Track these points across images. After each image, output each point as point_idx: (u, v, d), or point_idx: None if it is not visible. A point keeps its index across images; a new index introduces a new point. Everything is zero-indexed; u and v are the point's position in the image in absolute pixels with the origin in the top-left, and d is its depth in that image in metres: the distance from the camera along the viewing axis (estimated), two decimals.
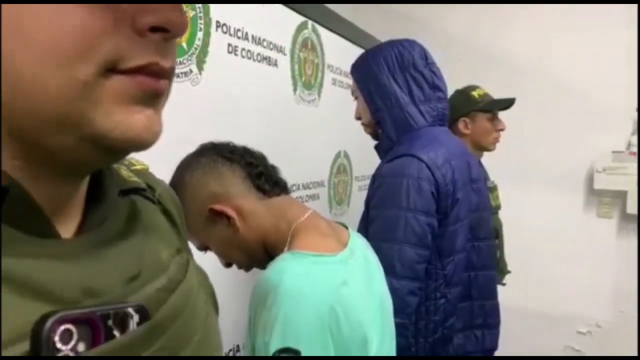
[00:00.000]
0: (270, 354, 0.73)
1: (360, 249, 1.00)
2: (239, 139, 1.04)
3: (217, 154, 0.96)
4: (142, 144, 0.35)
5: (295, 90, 1.88)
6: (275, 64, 1.74)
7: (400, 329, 1.26)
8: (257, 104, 1.58)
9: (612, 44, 2.83)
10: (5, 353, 0.29)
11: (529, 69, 3.01)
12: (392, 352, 1.06)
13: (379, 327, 0.94)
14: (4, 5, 0.30)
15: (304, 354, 0.76)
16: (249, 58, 1.58)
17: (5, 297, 0.31)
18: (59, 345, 0.30)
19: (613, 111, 2.85)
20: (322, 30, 2.04)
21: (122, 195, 0.45)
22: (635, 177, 2.77)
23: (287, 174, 1.07)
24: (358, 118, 1.59)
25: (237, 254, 0.97)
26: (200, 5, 1.30)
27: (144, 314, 0.36)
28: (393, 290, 1.23)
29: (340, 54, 2.17)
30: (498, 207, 2.24)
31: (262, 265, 0.94)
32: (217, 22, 1.38)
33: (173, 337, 0.40)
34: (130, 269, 0.40)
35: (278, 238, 0.94)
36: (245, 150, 1.01)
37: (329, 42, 2.10)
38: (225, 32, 1.44)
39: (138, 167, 0.52)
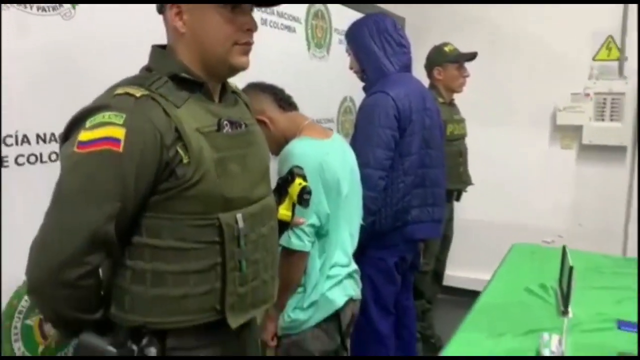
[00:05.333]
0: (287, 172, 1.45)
1: (340, 141, 1.76)
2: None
3: (259, 87, 1.71)
4: (244, 69, 1.10)
5: (309, 49, 2.61)
6: (294, 31, 2.46)
7: (372, 199, 2.03)
8: (281, 59, 2.31)
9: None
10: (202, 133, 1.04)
11: (503, 26, 3.63)
12: (360, 200, 1.83)
13: (348, 181, 1.70)
14: (197, 14, 1.05)
15: None
16: (275, 27, 2.30)
17: (201, 112, 1.06)
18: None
19: (572, 60, 3.47)
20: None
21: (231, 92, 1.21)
22: (589, 114, 3.42)
23: (304, 112, 1.79)
24: (351, 68, 2.31)
25: (270, 143, 1.72)
26: None
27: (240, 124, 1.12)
28: (369, 176, 1.99)
29: (344, 19, 2.87)
30: (465, 135, 2.97)
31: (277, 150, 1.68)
32: None
33: (252, 141, 1.16)
34: (240, 114, 1.16)
35: (292, 134, 1.69)
36: (273, 86, 1.76)
37: (334, 11, 2.80)
38: (258, 10, 2.16)
39: (233, 85, 1.27)
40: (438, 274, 3.10)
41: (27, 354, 1.39)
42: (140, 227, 1.02)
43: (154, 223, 1.02)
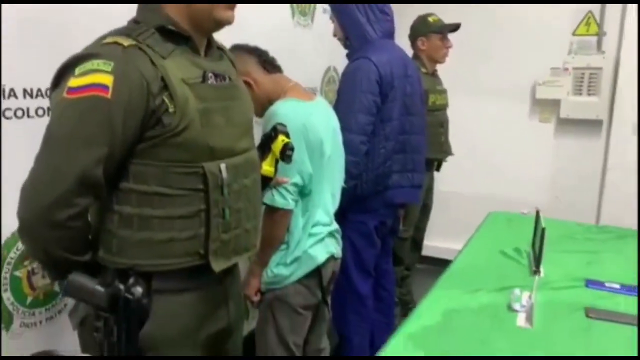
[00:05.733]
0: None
1: (324, 104, 1.80)
2: None
3: (244, 49, 1.73)
4: (229, 23, 1.13)
5: (293, 16, 2.62)
6: None
7: (354, 163, 2.08)
8: (264, 26, 2.33)
9: None
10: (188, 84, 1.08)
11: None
12: (342, 163, 1.88)
13: (330, 143, 1.75)
14: None
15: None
16: None
17: (186, 64, 1.09)
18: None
19: (553, 35, 3.53)
20: None
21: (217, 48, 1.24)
22: (567, 89, 3.50)
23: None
24: (334, 35, 2.34)
25: (255, 105, 1.76)
26: None
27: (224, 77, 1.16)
28: (350, 141, 2.04)
29: None
30: (446, 105, 3.03)
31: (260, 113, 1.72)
32: None
33: (236, 95, 1.19)
34: (225, 68, 1.19)
35: (277, 95, 1.72)
36: (258, 48, 1.78)
37: None
38: None
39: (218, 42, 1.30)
40: (417, 241, 3.18)
41: (16, 303, 1.43)
42: (127, 173, 1.06)
43: (141, 169, 1.06)
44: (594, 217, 3.55)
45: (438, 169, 3.12)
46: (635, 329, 1.56)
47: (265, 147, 1.37)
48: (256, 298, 1.72)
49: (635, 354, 1.42)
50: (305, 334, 1.78)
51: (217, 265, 1.14)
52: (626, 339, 1.50)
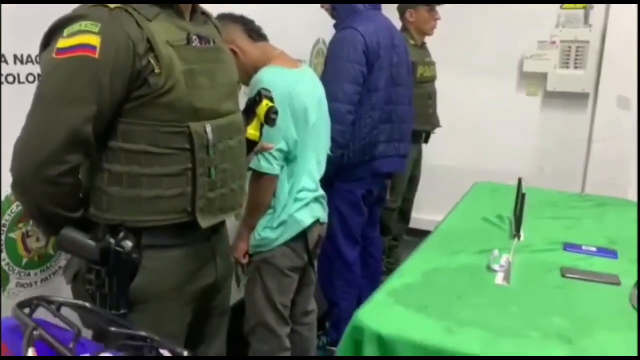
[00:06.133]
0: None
1: (310, 72, 1.84)
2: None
3: (230, 18, 1.76)
4: None
5: None
6: None
7: (341, 133, 2.13)
8: None
9: None
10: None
11: None
12: (328, 131, 1.92)
13: (316, 111, 1.79)
14: None
15: None
16: None
17: (171, 27, 1.12)
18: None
19: (541, 8, 3.55)
20: None
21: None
22: (554, 62, 3.54)
23: None
24: (322, 6, 2.36)
25: (241, 73, 1.78)
26: None
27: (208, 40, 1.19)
28: (337, 110, 2.08)
29: None
30: (434, 78, 3.07)
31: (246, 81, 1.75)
32: None
33: (220, 58, 1.23)
34: (209, 32, 1.22)
35: (263, 64, 1.76)
36: (244, 17, 1.81)
37: None
38: None
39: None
40: (405, 212, 3.24)
41: (12, 264, 1.48)
42: (116, 132, 1.10)
43: (129, 129, 1.10)
44: (580, 188, 3.61)
45: (426, 141, 3.16)
46: (610, 287, 1.63)
47: (250, 111, 1.41)
48: (245, 261, 1.78)
49: (607, 311, 1.49)
50: (292, 295, 1.84)
51: (204, 222, 1.19)
52: (599, 296, 1.58)
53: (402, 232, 3.31)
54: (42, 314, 0.88)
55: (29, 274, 1.52)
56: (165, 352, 0.91)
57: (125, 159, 1.11)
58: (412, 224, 3.47)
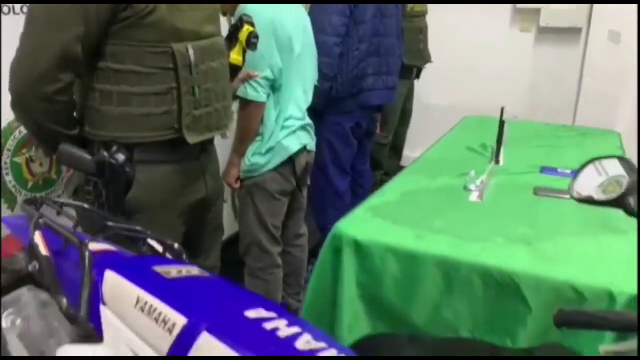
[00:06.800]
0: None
1: (295, 7, 1.89)
2: None
3: None
4: None
5: None
6: None
7: (328, 65, 2.20)
8: None
9: None
10: None
11: None
12: (314, 61, 2.00)
13: (301, 40, 1.86)
14: None
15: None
16: None
17: None
18: None
19: None
20: None
21: None
22: None
23: None
24: None
25: (224, 4, 1.82)
26: None
27: None
28: (324, 42, 2.14)
29: None
30: (425, 12, 3.10)
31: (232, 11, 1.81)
32: None
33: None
34: None
35: None
36: None
37: None
38: None
39: None
40: (397, 148, 3.34)
41: (18, 187, 1.60)
42: (105, 54, 1.19)
43: (117, 50, 1.19)
44: (570, 122, 3.68)
45: (418, 77, 3.22)
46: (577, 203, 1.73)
47: (232, 37, 1.49)
48: (237, 186, 1.89)
49: (571, 221, 1.60)
50: (282, 217, 1.97)
51: (191, 139, 1.29)
52: (566, 209, 1.68)
53: (395, 168, 3.41)
54: None
55: (35, 197, 1.64)
56: (154, 244, 1.04)
57: (115, 78, 1.20)
58: (404, 162, 3.56)
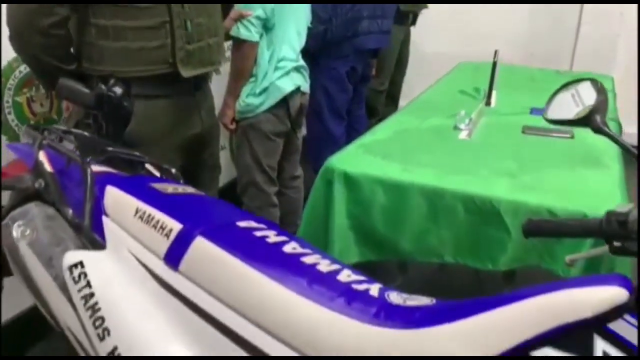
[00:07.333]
0: None
1: None
2: None
3: None
4: None
5: None
6: None
7: (322, 7, 2.22)
8: None
9: None
10: None
11: None
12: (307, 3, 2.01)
13: None
14: None
15: None
16: None
17: None
18: None
19: None
20: None
21: None
22: None
23: None
24: None
25: None
26: None
27: None
28: None
29: None
30: None
31: None
32: None
33: None
34: None
35: None
36: None
37: None
38: None
39: None
40: (393, 95, 3.35)
41: (20, 125, 1.65)
42: None
43: None
44: (568, 69, 3.69)
45: (413, 23, 3.20)
46: (564, 140, 1.79)
47: None
48: (232, 126, 1.94)
49: (554, 155, 1.65)
50: (277, 157, 2.02)
51: (185, 72, 1.33)
52: (552, 146, 1.74)
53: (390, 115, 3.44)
54: None
55: None
56: (151, 168, 1.10)
57: (109, 13, 1.24)
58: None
